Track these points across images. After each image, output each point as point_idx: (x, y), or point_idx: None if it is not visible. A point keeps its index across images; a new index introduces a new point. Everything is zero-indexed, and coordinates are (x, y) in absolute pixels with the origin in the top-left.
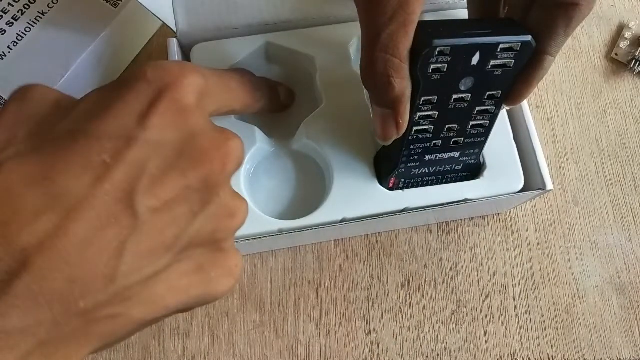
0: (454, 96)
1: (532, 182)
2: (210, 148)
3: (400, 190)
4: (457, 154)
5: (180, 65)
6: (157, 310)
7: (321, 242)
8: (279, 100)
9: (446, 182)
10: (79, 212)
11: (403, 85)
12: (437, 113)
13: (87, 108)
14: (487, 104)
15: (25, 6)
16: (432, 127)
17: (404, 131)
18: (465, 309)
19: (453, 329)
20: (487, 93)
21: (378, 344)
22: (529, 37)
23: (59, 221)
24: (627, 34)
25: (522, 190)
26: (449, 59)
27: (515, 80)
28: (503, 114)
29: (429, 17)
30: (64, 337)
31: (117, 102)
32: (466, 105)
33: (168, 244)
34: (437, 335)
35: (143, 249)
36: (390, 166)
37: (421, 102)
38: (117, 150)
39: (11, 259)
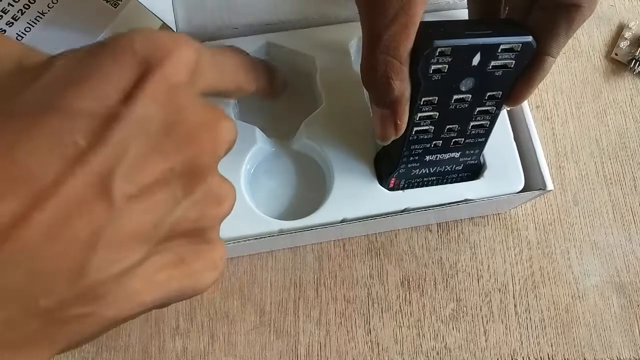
0: (455, 97)
1: (532, 182)
2: (200, 128)
3: (400, 191)
4: (457, 155)
5: (172, 37)
6: (131, 307)
7: (321, 242)
8: (274, 84)
9: (446, 183)
10: (45, 198)
11: (402, 86)
12: (437, 113)
13: (58, 76)
14: (487, 104)
15: (25, 6)
16: (433, 127)
17: (403, 132)
18: (465, 308)
19: (453, 328)
20: (488, 94)
21: (378, 344)
22: (529, 38)
23: (22, 208)
24: (627, 34)
25: (522, 191)
26: (449, 59)
27: (516, 81)
28: (503, 114)
29: (429, 18)
30: (21, 340)
31: (98, 73)
32: (467, 105)
33: (147, 234)
34: (437, 335)
35: (118, 240)
36: (391, 166)
37: (422, 103)
38: (94, 130)
39: None
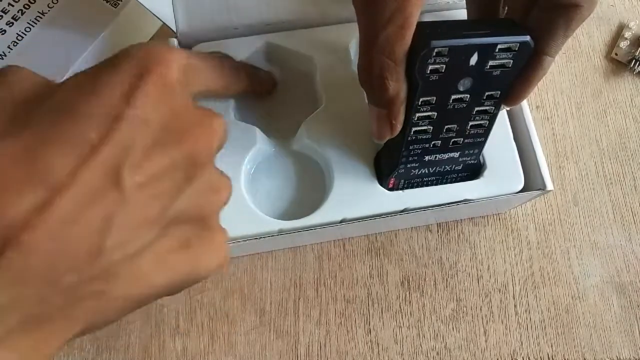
0: (453, 97)
1: (532, 182)
2: (195, 126)
3: (400, 191)
4: (456, 155)
5: (163, 45)
6: (142, 286)
7: (321, 242)
8: (260, 83)
9: (446, 183)
10: (65, 188)
11: (397, 87)
12: (436, 114)
13: (71, 89)
14: (486, 104)
15: (25, 6)
16: (432, 127)
17: (398, 131)
18: (465, 308)
19: (453, 328)
20: (486, 93)
21: (378, 344)
22: (527, 37)
23: (45, 197)
24: (627, 34)
25: (522, 191)
26: (447, 59)
27: (514, 81)
28: (503, 114)
29: (428, 18)
30: (48, 314)
31: (102, 81)
32: (465, 105)
33: (154, 218)
34: (437, 335)
35: (129, 224)
36: (390, 167)
37: (420, 103)
38: (103, 128)
39: None
